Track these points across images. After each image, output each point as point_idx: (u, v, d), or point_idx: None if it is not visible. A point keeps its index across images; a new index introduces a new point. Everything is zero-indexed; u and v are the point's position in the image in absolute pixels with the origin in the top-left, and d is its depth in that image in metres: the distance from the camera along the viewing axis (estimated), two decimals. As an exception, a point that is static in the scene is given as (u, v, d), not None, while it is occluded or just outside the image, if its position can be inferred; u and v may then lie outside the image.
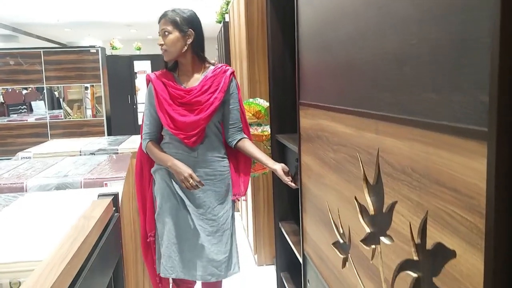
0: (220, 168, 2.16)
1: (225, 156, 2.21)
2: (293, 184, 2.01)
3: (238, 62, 3.94)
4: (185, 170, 2.00)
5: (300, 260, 1.80)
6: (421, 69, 0.71)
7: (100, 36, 10.18)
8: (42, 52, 7.59)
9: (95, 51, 7.68)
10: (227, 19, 5.13)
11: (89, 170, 2.96)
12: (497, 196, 0.54)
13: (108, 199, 1.87)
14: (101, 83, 7.75)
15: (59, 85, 8.03)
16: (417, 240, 0.76)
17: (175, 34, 2.01)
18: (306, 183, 1.53)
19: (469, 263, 0.62)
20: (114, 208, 1.90)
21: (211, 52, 9.52)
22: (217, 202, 2.14)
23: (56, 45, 10.42)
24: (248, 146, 2.18)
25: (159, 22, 2.05)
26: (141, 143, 2.23)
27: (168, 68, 2.14)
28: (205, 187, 2.10)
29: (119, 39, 8.48)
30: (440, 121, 0.66)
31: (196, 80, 2.11)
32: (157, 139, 2.17)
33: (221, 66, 2.15)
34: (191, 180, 2.00)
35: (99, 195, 2.00)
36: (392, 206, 0.85)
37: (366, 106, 0.94)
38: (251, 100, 2.84)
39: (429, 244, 0.72)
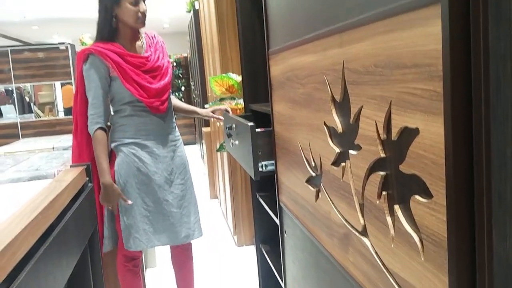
0: (177, 133, 2.21)
1: None
2: (221, 118, 2.24)
3: (209, 43, 3.93)
4: (115, 198, 1.98)
5: (276, 220, 1.81)
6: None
7: (69, 35, 9.99)
8: (9, 50, 7.41)
9: (64, 48, 7.54)
10: (197, 7, 5.12)
11: (63, 162, 2.90)
12: (452, 47, 0.56)
13: (80, 168, 1.85)
14: (72, 80, 7.61)
15: (28, 84, 7.86)
16: (383, 136, 0.78)
17: None
18: (279, 132, 1.54)
19: (431, 133, 0.63)
20: (87, 178, 1.88)
21: (183, 44, 9.48)
22: (182, 166, 2.17)
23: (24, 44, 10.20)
24: (179, 102, 2.35)
25: None
26: (78, 127, 2.06)
27: (106, 38, 1.99)
28: (170, 154, 2.11)
29: (89, 36, 8.34)
30: (399, 1, 0.68)
31: (140, 47, 2.07)
32: (105, 123, 2.04)
33: (145, 32, 2.12)
34: (110, 207, 2.01)
35: (71, 165, 1.97)
36: (358, 114, 0.86)
37: (331, 22, 0.95)
38: (224, 74, 2.84)
39: (394, 134, 0.74)
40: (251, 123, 1.67)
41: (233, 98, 2.79)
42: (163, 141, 2.10)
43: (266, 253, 2.48)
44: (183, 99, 9.43)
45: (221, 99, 2.83)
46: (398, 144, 0.74)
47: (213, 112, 2.32)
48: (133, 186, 2.06)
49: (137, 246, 2.08)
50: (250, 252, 3.39)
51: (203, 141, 5.50)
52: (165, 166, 2.09)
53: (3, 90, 8.84)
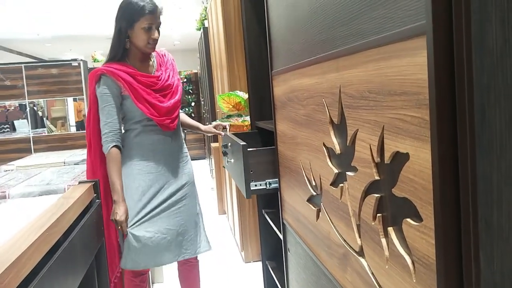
0: (185, 150, 2.23)
1: None
2: (222, 133, 2.30)
3: (218, 61, 3.99)
4: (123, 216, 1.98)
5: (281, 236, 1.82)
6: (371, -8, 0.76)
7: (82, 51, 10.18)
8: (23, 67, 7.55)
9: (77, 64, 7.66)
10: (206, 25, 5.21)
11: (73, 177, 2.95)
12: (437, 77, 0.58)
13: (89, 184, 1.88)
14: (84, 96, 7.72)
15: (41, 100, 7.98)
16: (377, 159, 0.80)
17: None
18: (282, 151, 1.56)
19: (420, 159, 0.66)
20: (95, 195, 1.91)
21: (194, 61, 9.60)
22: (186, 184, 2.18)
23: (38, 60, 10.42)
24: (185, 117, 2.37)
25: (152, 14, 1.95)
26: (92, 146, 2.09)
27: (118, 59, 2.03)
28: (177, 171, 2.14)
29: (101, 53, 8.49)
30: (389, 31, 0.70)
31: (151, 66, 2.12)
32: (120, 141, 2.04)
33: (155, 51, 2.14)
34: (119, 227, 2.00)
35: (79, 182, 2.00)
36: (354, 136, 0.89)
37: (328, 48, 0.98)
38: (231, 92, 2.88)
39: (387, 157, 0.76)
40: (243, 143, 1.71)
41: (240, 115, 2.82)
42: (171, 160, 2.12)
43: (272, 270, 2.48)
44: (193, 114, 9.52)
45: (228, 116, 2.87)
46: (391, 167, 0.76)
47: (215, 127, 2.36)
48: (135, 208, 2.08)
49: (132, 266, 2.09)
50: (257, 269, 3.38)
51: (212, 156, 5.53)
52: (167, 185, 2.11)
53: (17, 105, 9.00)
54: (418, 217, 0.68)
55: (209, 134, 2.57)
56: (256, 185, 1.72)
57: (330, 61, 0.97)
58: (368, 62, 0.79)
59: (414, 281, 0.70)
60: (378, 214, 0.82)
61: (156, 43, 2.02)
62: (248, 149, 1.70)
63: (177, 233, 2.13)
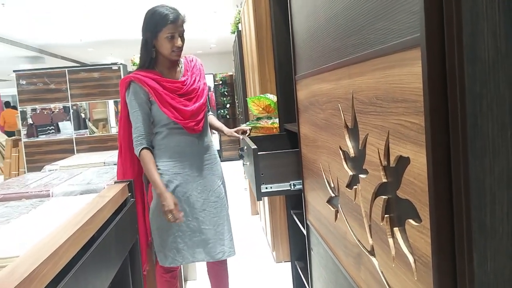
0: (214, 152, 2.28)
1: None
2: (240, 136, 2.35)
3: (250, 63, 4.06)
4: (171, 203, 2.04)
5: (305, 232, 1.87)
6: (372, 5, 0.80)
7: (122, 55, 10.54)
8: (66, 71, 7.91)
9: (117, 68, 7.94)
10: (240, 28, 5.29)
11: (112, 177, 3.09)
12: (430, 86, 0.62)
13: (123, 184, 1.98)
14: (124, 98, 7.98)
15: (83, 102, 8.33)
16: (384, 162, 0.83)
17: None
18: (305, 153, 1.61)
19: (419, 163, 0.69)
20: (129, 194, 2.01)
21: (229, 63, 9.74)
22: (216, 184, 2.24)
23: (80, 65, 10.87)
24: (212, 119, 2.43)
25: (174, 23, 2.02)
26: (122, 149, 2.22)
27: (147, 67, 2.12)
28: (205, 172, 2.20)
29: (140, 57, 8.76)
30: (392, 42, 0.74)
31: (178, 72, 2.19)
32: (150, 142, 2.16)
33: (184, 56, 2.23)
34: (170, 215, 2.04)
35: (115, 182, 2.11)
36: (365, 140, 0.93)
37: (341, 56, 1.02)
38: (261, 95, 2.94)
39: (392, 161, 0.80)
40: (254, 146, 1.76)
41: (269, 118, 2.88)
42: (198, 161, 2.20)
43: (301, 270, 2.51)
44: (228, 116, 9.66)
45: (258, 118, 2.93)
46: (396, 170, 0.79)
47: (237, 131, 2.42)
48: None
49: (171, 263, 2.19)
50: (288, 269, 3.42)
51: (245, 158, 5.58)
52: (196, 185, 2.18)
53: (61, 108, 9.42)
54: (418, 218, 0.71)
55: (232, 137, 2.63)
56: (267, 188, 1.77)
57: (343, 68, 1.01)
58: (375, 70, 0.83)
59: (416, 278, 0.74)
60: (386, 215, 0.85)
61: (181, 50, 2.10)
62: (259, 153, 1.75)
63: (214, 232, 2.19)
